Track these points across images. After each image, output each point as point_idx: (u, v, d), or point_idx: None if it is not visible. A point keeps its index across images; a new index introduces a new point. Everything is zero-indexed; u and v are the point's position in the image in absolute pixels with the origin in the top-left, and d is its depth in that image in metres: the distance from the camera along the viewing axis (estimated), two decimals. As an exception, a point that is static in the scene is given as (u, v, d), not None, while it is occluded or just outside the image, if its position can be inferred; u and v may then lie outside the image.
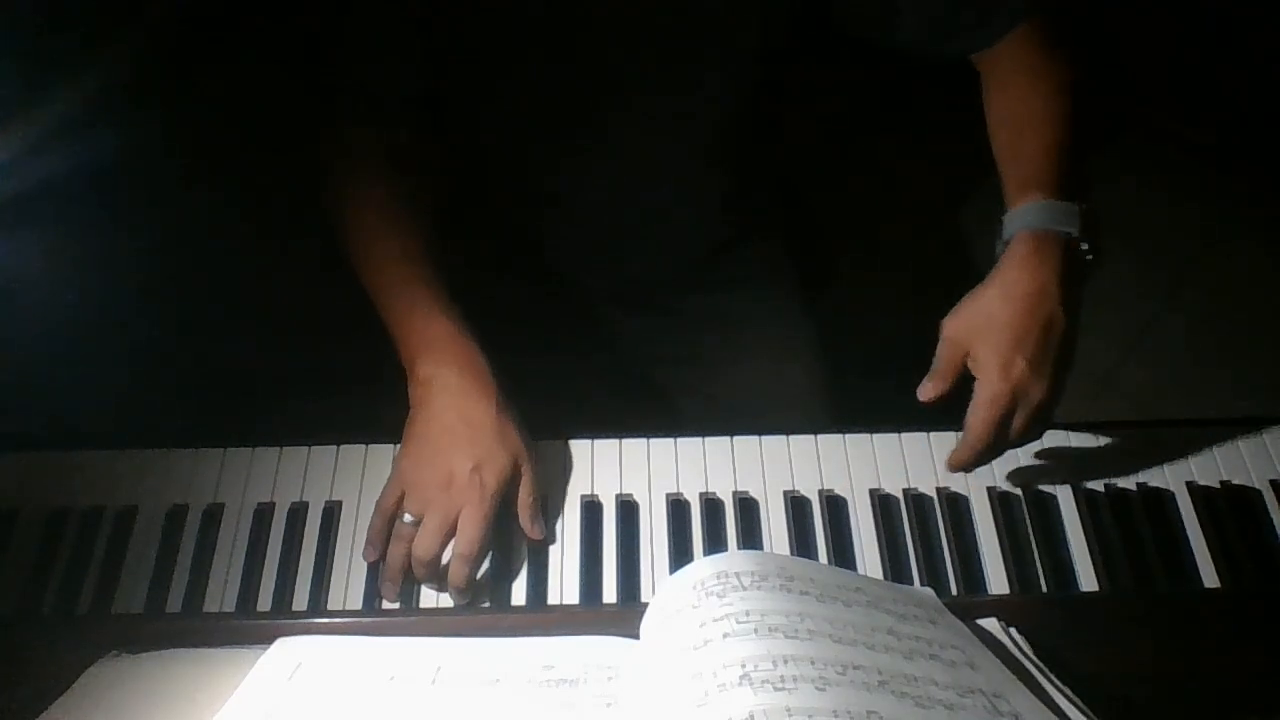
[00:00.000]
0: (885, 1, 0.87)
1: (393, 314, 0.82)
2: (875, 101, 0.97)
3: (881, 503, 0.80)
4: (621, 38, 0.88)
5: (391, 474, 0.78)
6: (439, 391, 0.77)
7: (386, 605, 0.75)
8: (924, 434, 0.84)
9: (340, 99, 0.91)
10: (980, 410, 0.73)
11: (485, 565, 0.76)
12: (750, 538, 0.79)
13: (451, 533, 0.74)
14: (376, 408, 1.02)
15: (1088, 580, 0.77)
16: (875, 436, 0.84)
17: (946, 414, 0.82)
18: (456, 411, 0.76)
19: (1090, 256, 0.76)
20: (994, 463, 0.82)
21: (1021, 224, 0.76)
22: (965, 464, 0.76)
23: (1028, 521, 0.80)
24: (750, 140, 1.05)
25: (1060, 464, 0.83)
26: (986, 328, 0.74)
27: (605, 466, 0.83)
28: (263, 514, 0.79)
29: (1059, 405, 0.75)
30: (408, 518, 0.74)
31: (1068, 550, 0.78)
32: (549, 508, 0.80)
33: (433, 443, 0.76)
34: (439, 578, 0.75)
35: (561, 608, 0.75)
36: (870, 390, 0.80)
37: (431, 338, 0.80)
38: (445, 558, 0.75)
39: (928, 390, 0.76)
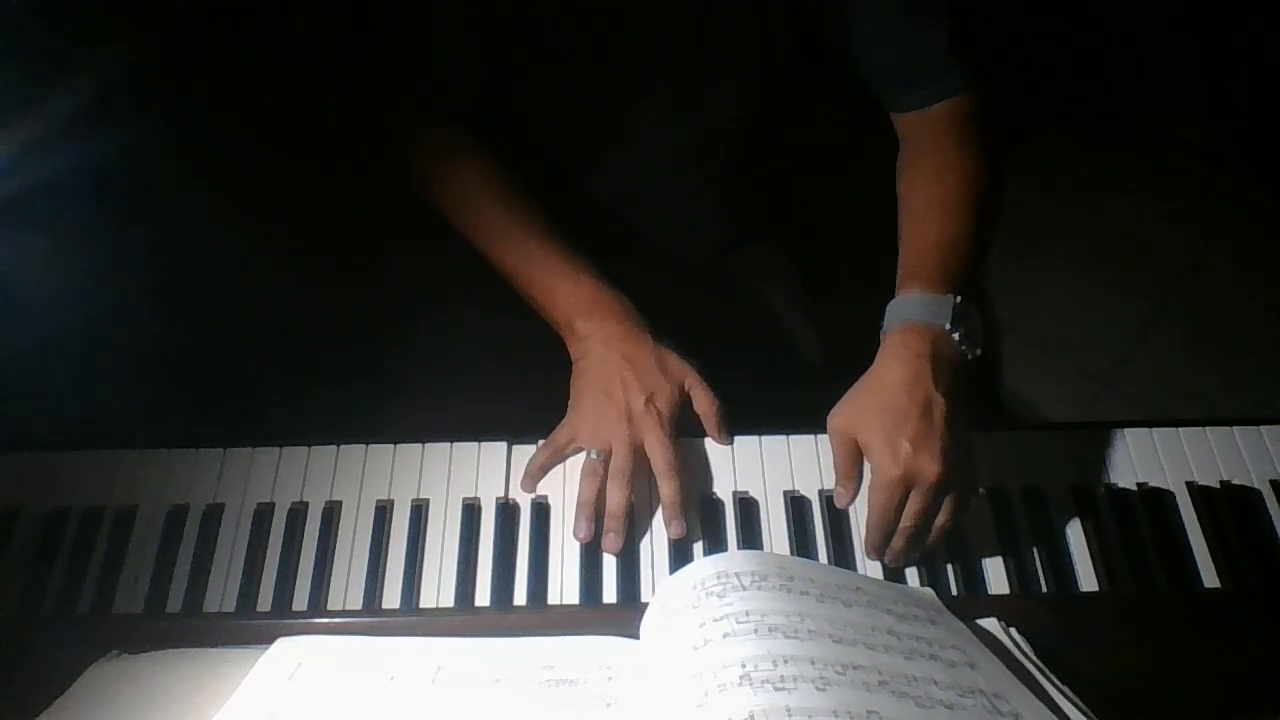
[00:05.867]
0: (844, 37, 0.93)
1: (538, 283, 0.89)
2: (878, 103, 0.98)
3: (881, 503, 0.80)
4: (636, 46, 0.91)
5: (568, 419, 0.83)
6: (602, 342, 0.84)
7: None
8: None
9: (416, 102, 0.95)
10: (875, 494, 0.75)
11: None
12: (750, 538, 0.79)
13: (643, 458, 0.79)
14: (376, 407, 1.03)
15: (1088, 580, 0.77)
16: (875, 437, 0.84)
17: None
18: (622, 355, 0.83)
19: (963, 346, 0.79)
20: (994, 463, 0.82)
21: (896, 317, 0.80)
22: (876, 548, 0.76)
23: (1027, 521, 0.80)
24: (755, 144, 1.06)
25: (1060, 464, 0.83)
26: (867, 416, 0.76)
27: (605, 466, 0.83)
28: (263, 514, 0.79)
29: (967, 484, 0.76)
30: (595, 454, 0.80)
31: (1067, 550, 0.78)
32: (549, 508, 0.80)
33: (605, 386, 0.82)
34: (626, 514, 0.78)
35: (561, 608, 0.75)
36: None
37: (584, 298, 0.87)
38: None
39: (842, 497, 0.79)
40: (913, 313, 0.79)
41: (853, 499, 0.78)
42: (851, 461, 0.77)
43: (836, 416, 0.78)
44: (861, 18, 0.91)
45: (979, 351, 0.80)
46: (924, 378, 0.76)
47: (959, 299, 0.79)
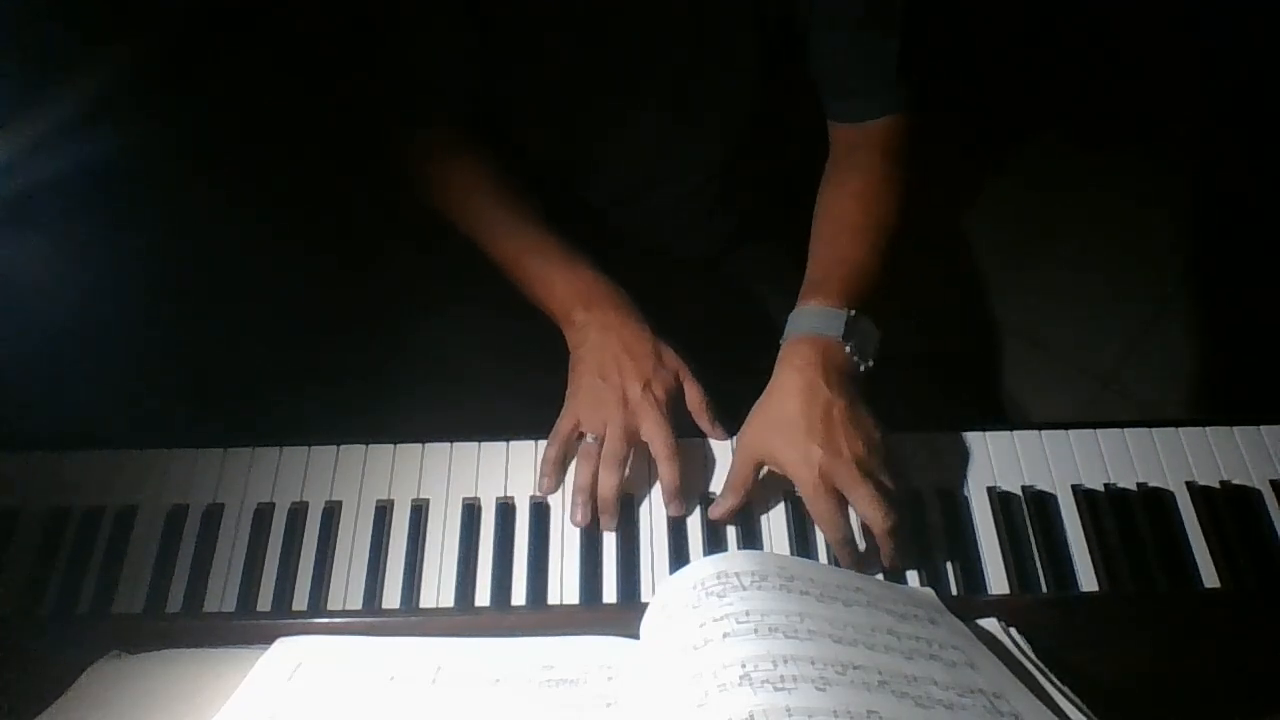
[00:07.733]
0: (804, 41, 0.94)
1: (535, 275, 0.90)
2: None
3: (881, 503, 0.80)
4: (634, 47, 0.92)
5: (566, 407, 0.84)
6: (599, 330, 0.85)
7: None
8: (922, 434, 0.84)
9: (414, 104, 0.96)
10: (811, 507, 0.76)
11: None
12: (750, 538, 0.79)
13: (634, 441, 0.81)
14: (376, 407, 1.03)
15: (1088, 580, 0.77)
16: (874, 437, 0.83)
17: (946, 414, 0.82)
18: (619, 342, 0.84)
19: (855, 357, 0.81)
20: (994, 463, 0.83)
21: (793, 328, 0.84)
22: (849, 560, 0.76)
23: (1028, 521, 0.80)
24: (754, 144, 1.06)
25: (1060, 464, 0.83)
26: (773, 430, 0.78)
27: (605, 466, 0.83)
28: (263, 514, 0.79)
29: (884, 466, 0.77)
30: (590, 438, 0.81)
31: (1068, 550, 0.78)
32: (549, 508, 0.80)
33: (602, 371, 0.83)
34: (618, 499, 0.79)
35: (561, 608, 0.75)
36: (868, 392, 0.81)
37: (582, 288, 0.88)
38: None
39: (717, 509, 0.79)
40: (808, 324, 0.83)
41: (725, 513, 0.78)
42: (745, 478, 0.79)
43: (744, 432, 0.81)
44: (820, 22, 0.92)
45: (871, 363, 0.82)
46: (818, 385, 0.78)
47: (853, 313, 0.82)
